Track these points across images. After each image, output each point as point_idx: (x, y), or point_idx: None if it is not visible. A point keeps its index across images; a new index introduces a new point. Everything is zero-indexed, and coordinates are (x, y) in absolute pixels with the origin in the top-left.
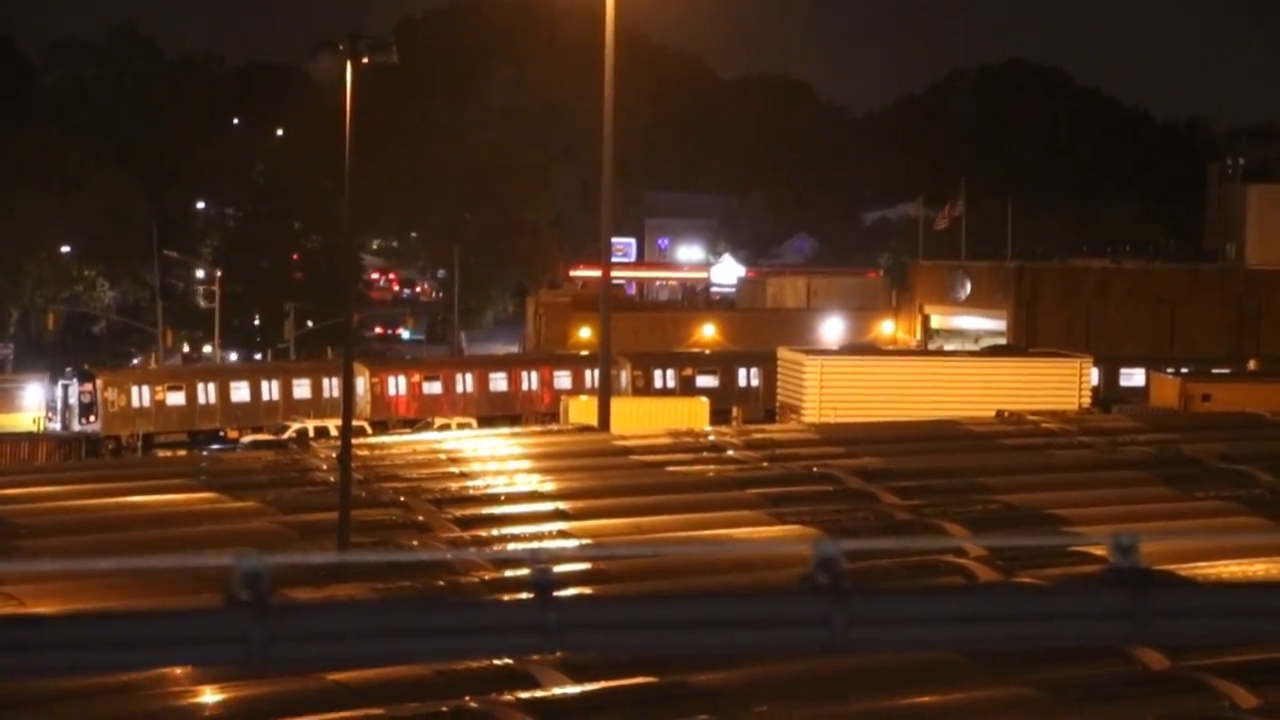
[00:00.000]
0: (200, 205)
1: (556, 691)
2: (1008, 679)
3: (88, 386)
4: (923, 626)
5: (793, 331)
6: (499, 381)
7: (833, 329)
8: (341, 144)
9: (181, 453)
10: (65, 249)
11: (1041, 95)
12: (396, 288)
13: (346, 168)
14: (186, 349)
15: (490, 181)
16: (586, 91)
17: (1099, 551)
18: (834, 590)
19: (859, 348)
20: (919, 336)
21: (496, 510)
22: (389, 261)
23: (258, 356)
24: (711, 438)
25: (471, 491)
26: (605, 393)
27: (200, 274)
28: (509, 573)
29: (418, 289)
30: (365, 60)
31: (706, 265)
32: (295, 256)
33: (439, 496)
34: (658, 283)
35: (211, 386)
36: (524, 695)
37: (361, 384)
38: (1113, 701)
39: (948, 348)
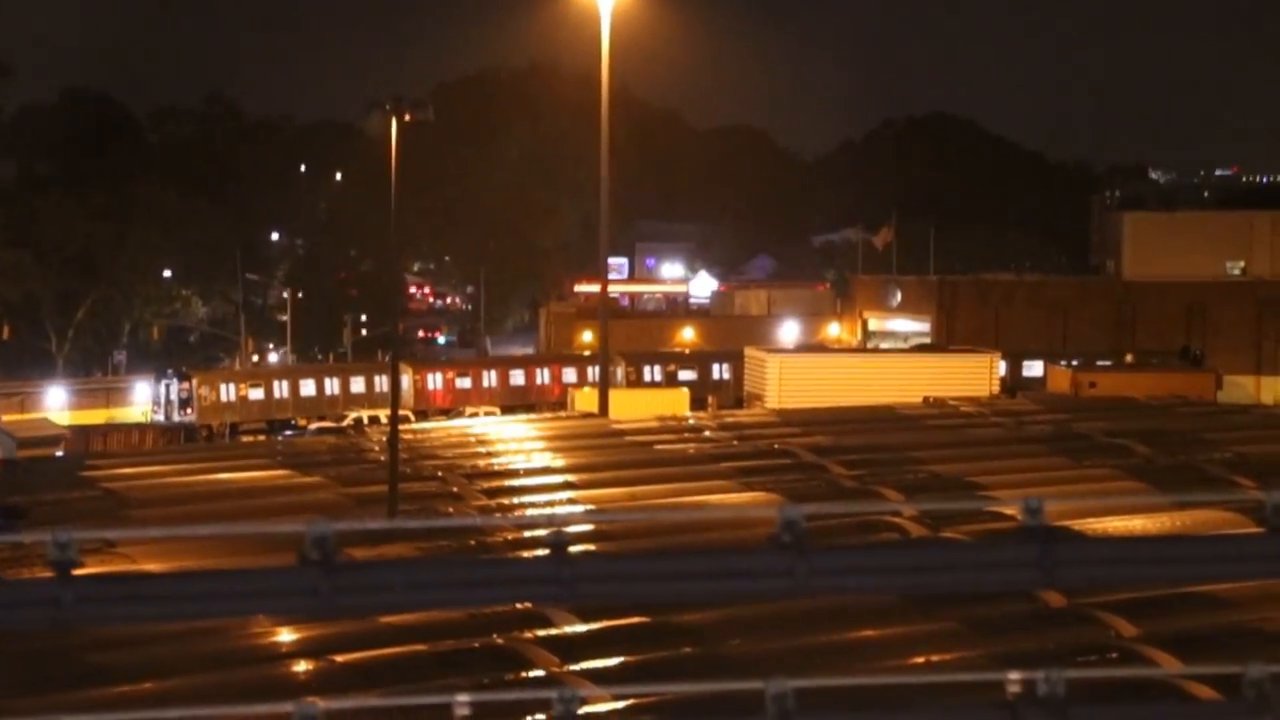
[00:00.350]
0: (275, 237)
1: (568, 630)
2: (936, 616)
3: (185, 385)
4: (868, 575)
5: (756, 334)
6: (517, 377)
7: (789, 332)
8: (389, 186)
9: (261, 438)
10: (167, 273)
11: (957, 140)
12: (431, 299)
13: (393, 205)
14: (256, 358)
15: (509, 214)
16: (586, 140)
17: (1010, 511)
18: (796, 546)
19: (811, 347)
20: (859, 337)
21: (517, 483)
22: (427, 280)
23: (307, 358)
24: (691, 421)
25: (496, 467)
26: (604, 385)
27: (285, 295)
28: (528, 534)
29: (448, 300)
30: (407, 118)
31: (686, 280)
32: (344, 276)
33: (470, 472)
34: (646, 295)
35: (285, 384)
36: (542, 634)
37: (406, 380)
38: (1021, 633)
39: (883, 346)
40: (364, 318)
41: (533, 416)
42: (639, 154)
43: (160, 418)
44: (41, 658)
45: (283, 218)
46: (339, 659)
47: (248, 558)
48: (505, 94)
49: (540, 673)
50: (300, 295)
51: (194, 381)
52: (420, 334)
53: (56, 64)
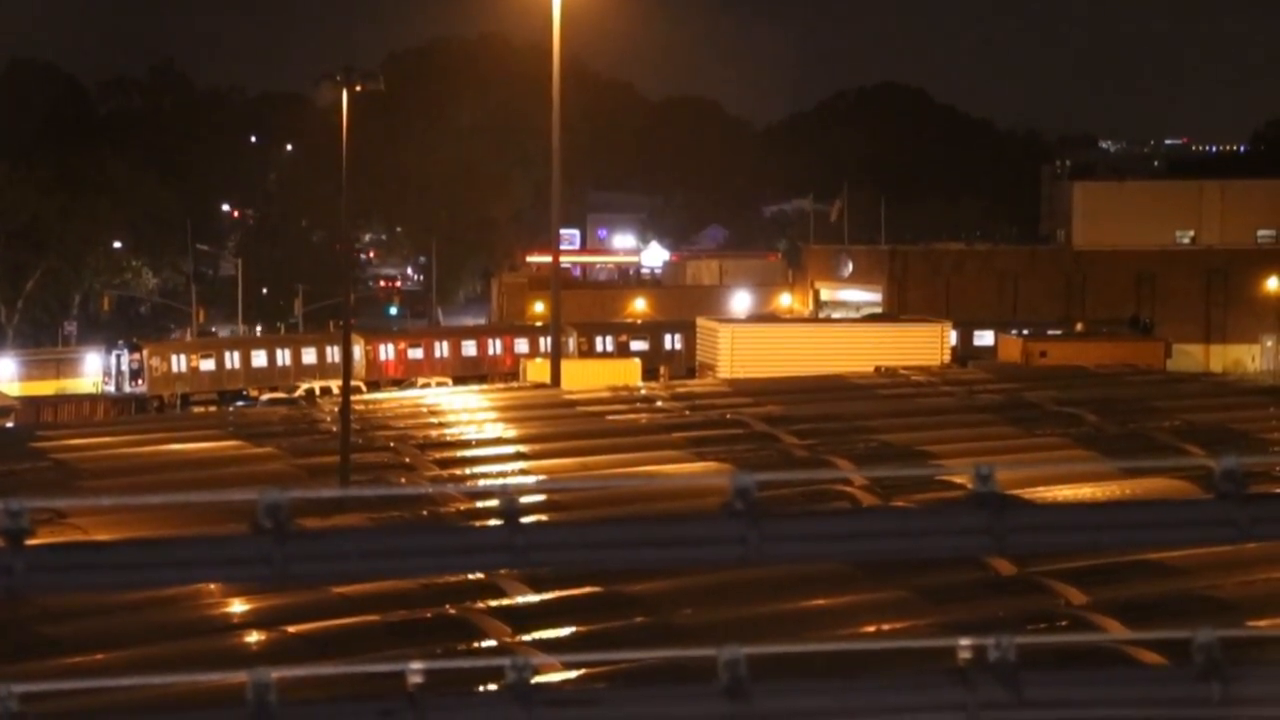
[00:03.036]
0: (225, 207)
1: (520, 600)
2: (887, 585)
3: (136, 356)
4: (820, 542)
5: (708, 304)
6: (469, 348)
7: (741, 302)
8: (339, 156)
9: (213, 409)
10: (117, 244)
11: (907, 110)
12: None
13: (344, 175)
14: (203, 326)
15: (460, 185)
16: (537, 111)
17: (960, 480)
18: (748, 514)
19: (762, 317)
20: (811, 307)
21: (469, 453)
22: (378, 251)
23: (251, 329)
24: (643, 391)
25: (449, 438)
26: (556, 356)
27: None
28: (480, 503)
29: (394, 276)
30: (358, 88)
31: (637, 251)
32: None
33: (422, 442)
34: (598, 266)
35: (236, 354)
36: (494, 604)
37: (358, 351)
38: (971, 601)
39: (835, 316)
40: (315, 288)
41: (485, 387)
42: (590, 125)
43: (111, 389)
44: None
45: (233, 188)
46: (292, 630)
47: (201, 528)
48: (456, 65)
49: (493, 642)
50: (249, 266)
51: (145, 352)
52: (382, 281)
53: (2, 35)
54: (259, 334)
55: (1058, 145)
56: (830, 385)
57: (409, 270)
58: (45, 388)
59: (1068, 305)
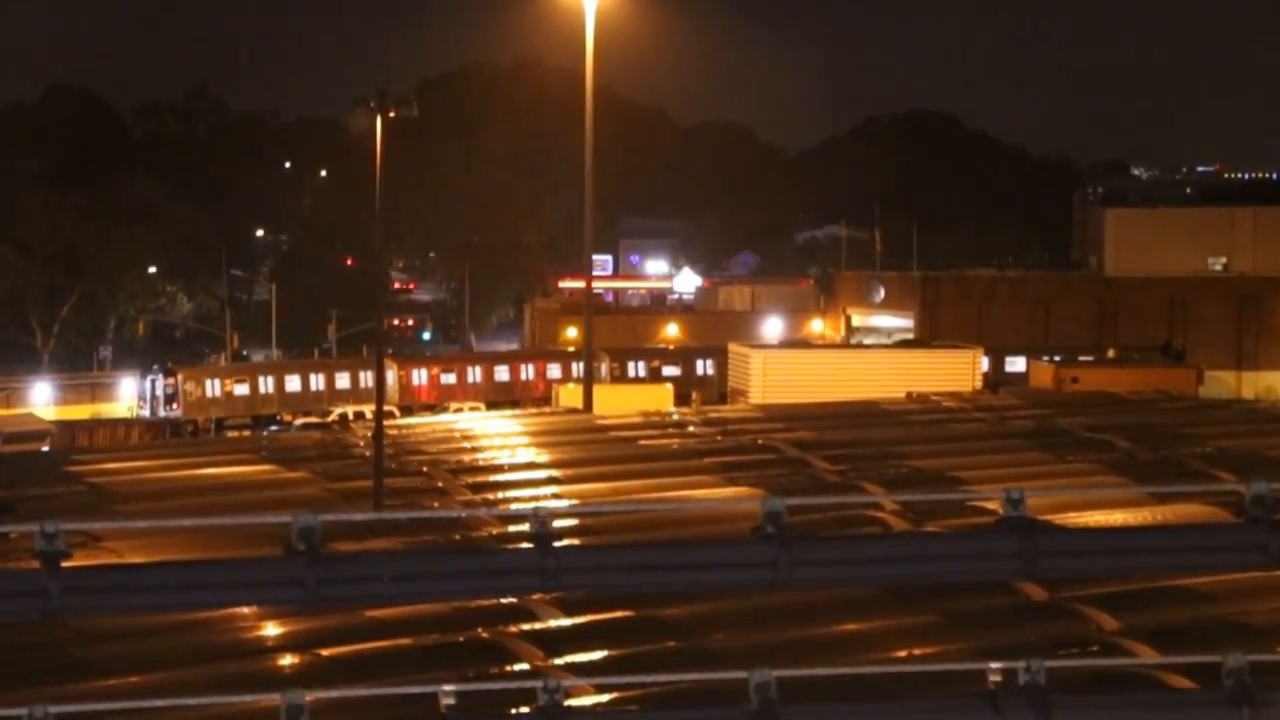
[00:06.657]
0: (259, 233)
1: (552, 624)
2: (918, 610)
3: (171, 380)
4: (851, 567)
5: (740, 330)
6: (502, 373)
7: (772, 327)
8: (373, 182)
9: (246, 433)
10: (152, 269)
11: (939, 137)
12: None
13: (377, 201)
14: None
15: (493, 210)
16: (570, 136)
17: (991, 505)
18: (779, 538)
19: (794, 343)
20: (843, 333)
21: (502, 478)
22: (411, 276)
23: (286, 353)
24: (675, 417)
25: (481, 463)
26: (588, 381)
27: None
28: (512, 528)
29: (423, 295)
30: (392, 114)
31: (670, 276)
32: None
33: (455, 467)
34: (630, 291)
35: (270, 379)
36: (526, 628)
37: (391, 376)
38: (1001, 627)
39: (866, 342)
40: (348, 314)
41: (517, 412)
42: (623, 150)
43: (146, 413)
44: (25, 651)
45: (267, 214)
46: (324, 653)
47: (235, 551)
48: (489, 90)
49: (524, 666)
50: (283, 290)
51: (179, 377)
52: (395, 285)
53: (40, 61)
54: (276, 358)
55: (1089, 172)
56: (861, 411)
57: (436, 296)
58: (80, 412)
59: (1099, 331)
